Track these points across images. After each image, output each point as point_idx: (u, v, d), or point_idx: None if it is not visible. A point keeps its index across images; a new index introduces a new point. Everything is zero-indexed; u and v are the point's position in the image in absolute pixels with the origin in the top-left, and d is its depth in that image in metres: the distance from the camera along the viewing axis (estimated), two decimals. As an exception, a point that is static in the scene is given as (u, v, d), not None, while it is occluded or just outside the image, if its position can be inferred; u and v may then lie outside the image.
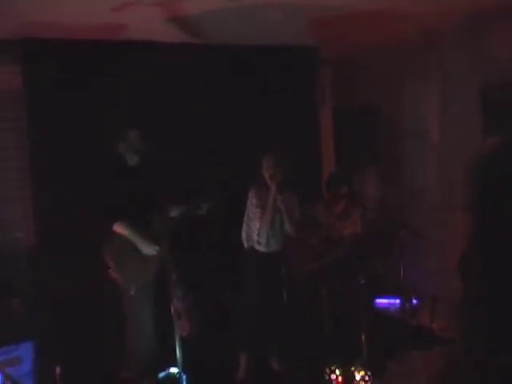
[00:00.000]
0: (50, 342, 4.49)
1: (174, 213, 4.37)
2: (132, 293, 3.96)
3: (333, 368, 4.18)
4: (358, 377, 4.15)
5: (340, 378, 4.16)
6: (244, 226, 4.61)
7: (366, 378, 4.14)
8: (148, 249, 4.04)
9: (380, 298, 5.75)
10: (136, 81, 4.93)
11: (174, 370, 4.28)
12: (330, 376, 4.17)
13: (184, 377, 3.95)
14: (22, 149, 4.83)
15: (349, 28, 5.11)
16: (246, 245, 4.59)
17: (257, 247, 4.52)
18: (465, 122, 5.20)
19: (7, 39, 4.53)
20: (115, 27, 4.60)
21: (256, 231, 4.49)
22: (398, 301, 5.47)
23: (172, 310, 3.84)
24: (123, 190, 3.98)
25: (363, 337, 4.43)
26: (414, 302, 5.50)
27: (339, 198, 4.90)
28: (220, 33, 5.00)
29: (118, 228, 4.02)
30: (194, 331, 4.56)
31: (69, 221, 4.60)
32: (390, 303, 5.70)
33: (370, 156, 5.99)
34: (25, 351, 4.32)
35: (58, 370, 4.14)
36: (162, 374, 4.40)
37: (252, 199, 4.50)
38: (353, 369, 4.14)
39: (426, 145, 5.74)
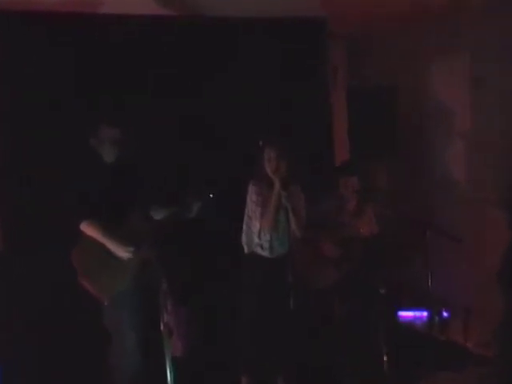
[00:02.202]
0: (21, 364, 4.25)
1: (159, 215, 4.03)
2: (105, 303, 3.66)
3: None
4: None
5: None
6: (244, 227, 4.24)
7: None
8: (122, 251, 3.69)
9: (404, 310, 5.48)
10: (115, 62, 4.61)
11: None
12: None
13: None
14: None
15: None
16: (246, 249, 4.23)
17: (259, 252, 4.16)
18: (500, 104, 4.86)
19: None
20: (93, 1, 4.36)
21: (257, 233, 4.16)
22: (425, 313, 5.21)
23: (162, 327, 3.44)
24: (97, 189, 3.71)
25: (385, 355, 4.19)
26: (444, 314, 5.21)
27: (351, 192, 4.55)
28: (215, 3, 4.68)
29: (86, 228, 3.69)
30: (188, 351, 4.25)
31: (39, 224, 4.31)
32: (415, 316, 5.43)
33: (389, 143, 5.56)
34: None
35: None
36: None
37: (252, 195, 4.15)
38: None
39: (453, 130, 5.42)
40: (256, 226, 4.13)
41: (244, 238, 4.22)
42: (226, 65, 4.97)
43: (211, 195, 4.00)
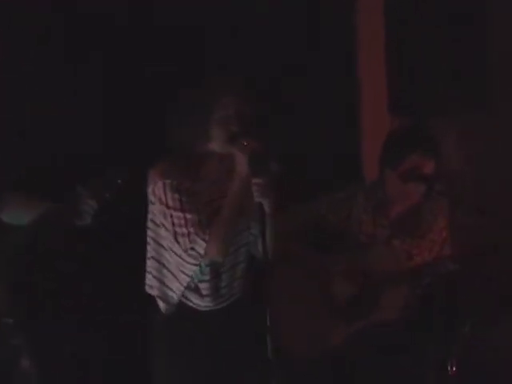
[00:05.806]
0: None
1: (17, 220, 2.55)
2: None
3: None
4: None
5: None
6: (148, 263, 2.33)
7: None
8: None
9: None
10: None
11: None
12: None
13: None
14: None
15: None
16: (163, 307, 2.28)
17: (193, 302, 2.30)
18: None
19: None
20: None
21: (187, 268, 2.22)
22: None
23: None
24: None
25: None
26: None
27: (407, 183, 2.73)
28: None
29: None
30: None
31: None
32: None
33: (470, 93, 3.76)
34: None
35: None
36: None
37: (162, 197, 2.24)
38: None
39: None
40: (180, 258, 2.21)
41: (149, 280, 2.29)
42: None
43: (120, 181, 2.44)
